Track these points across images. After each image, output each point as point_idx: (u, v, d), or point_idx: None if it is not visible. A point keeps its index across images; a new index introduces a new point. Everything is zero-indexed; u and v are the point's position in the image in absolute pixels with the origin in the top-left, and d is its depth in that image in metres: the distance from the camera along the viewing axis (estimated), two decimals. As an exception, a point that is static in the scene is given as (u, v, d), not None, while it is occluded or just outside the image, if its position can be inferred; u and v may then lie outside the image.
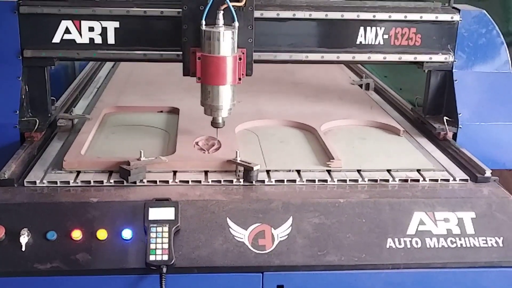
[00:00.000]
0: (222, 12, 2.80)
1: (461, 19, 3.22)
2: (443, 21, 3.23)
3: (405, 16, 3.19)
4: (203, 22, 2.79)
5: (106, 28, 3.03)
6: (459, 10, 3.24)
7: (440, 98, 3.40)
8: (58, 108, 3.41)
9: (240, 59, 2.85)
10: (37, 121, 3.05)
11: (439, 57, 3.27)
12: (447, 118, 3.30)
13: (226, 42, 2.77)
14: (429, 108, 3.43)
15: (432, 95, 3.40)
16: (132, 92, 3.94)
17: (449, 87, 3.34)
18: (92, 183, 2.70)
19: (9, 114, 3.02)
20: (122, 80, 4.26)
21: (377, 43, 3.22)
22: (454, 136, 3.29)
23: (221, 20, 2.81)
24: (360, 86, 4.33)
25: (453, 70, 3.29)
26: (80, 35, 3.04)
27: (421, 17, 3.20)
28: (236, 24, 2.81)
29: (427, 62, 3.28)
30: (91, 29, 3.03)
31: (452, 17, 3.22)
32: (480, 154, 3.06)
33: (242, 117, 3.44)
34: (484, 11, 3.27)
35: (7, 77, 3.03)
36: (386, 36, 3.21)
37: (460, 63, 3.29)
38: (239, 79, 2.89)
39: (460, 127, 3.26)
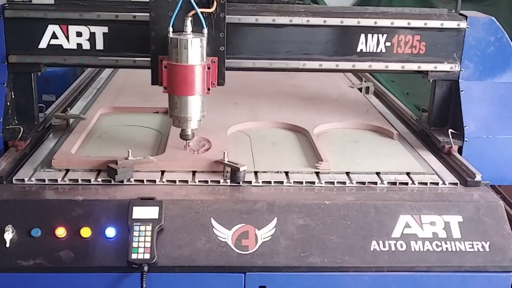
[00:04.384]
0: (190, 18, 2.69)
1: (468, 26, 3.06)
2: (449, 28, 3.07)
3: (409, 23, 3.04)
4: (170, 29, 2.68)
5: (94, 33, 2.94)
6: (466, 17, 3.08)
7: (445, 110, 3.25)
8: (47, 115, 3.36)
9: (209, 68, 2.73)
10: (22, 129, 2.96)
11: (444, 66, 3.11)
12: (452, 130, 3.15)
13: (194, 50, 2.64)
14: (434, 120, 3.29)
15: (437, 106, 3.25)
16: (130, 93, 3.97)
17: (455, 98, 3.18)
18: (80, 182, 2.72)
19: None
20: (121, 81, 4.30)
21: (378, 51, 3.07)
22: (460, 149, 3.14)
23: (189, 27, 2.69)
24: (360, 89, 4.31)
25: (460, 80, 3.14)
26: (68, 40, 2.94)
27: (425, 24, 3.05)
28: (205, 31, 2.71)
29: (432, 71, 3.12)
30: (79, 34, 2.94)
31: (458, 24, 3.06)
32: (487, 169, 2.91)
33: (236, 118, 3.46)
34: (493, 18, 3.11)
35: None
36: (388, 44, 3.06)
37: (467, 72, 3.13)
38: (208, 89, 2.75)
39: (466, 141, 3.11)
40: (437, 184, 2.83)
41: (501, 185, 2.91)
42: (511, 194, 3.06)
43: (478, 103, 3.16)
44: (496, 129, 3.14)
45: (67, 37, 2.95)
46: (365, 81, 4.38)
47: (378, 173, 2.88)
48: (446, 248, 2.55)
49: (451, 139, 3.13)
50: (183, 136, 2.91)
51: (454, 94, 3.20)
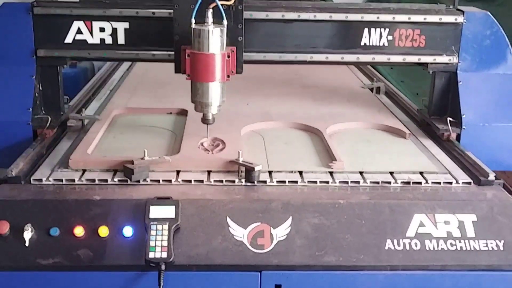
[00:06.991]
0: (211, 10, 2.84)
1: (465, 20, 3.24)
2: (447, 23, 3.26)
3: (409, 18, 3.22)
4: (193, 20, 2.83)
5: (116, 28, 3.12)
6: (463, 12, 3.26)
7: (445, 100, 3.43)
8: (71, 107, 3.53)
9: (228, 56, 2.89)
10: (50, 118, 3.17)
11: (443, 59, 3.30)
12: (451, 119, 3.33)
13: (215, 39, 2.81)
14: (434, 109, 3.46)
15: (437, 96, 3.43)
16: (143, 93, 4.00)
17: (454, 89, 3.36)
18: (96, 182, 2.75)
19: (22, 112, 3.13)
20: (134, 82, 4.33)
21: (381, 44, 3.26)
22: (458, 137, 3.32)
23: (210, 19, 2.85)
24: (371, 89, 4.33)
25: (458, 72, 3.31)
26: (92, 35, 3.13)
27: (425, 18, 3.23)
28: (225, 22, 2.85)
29: (431, 63, 3.31)
30: (102, 29, 3.13)
31: (456, 19, 3.25)
32: (484, 155, 3.06)
33: (249, 118, 3.48)
34: (488, 12, 3.29)
35: (21, 76, 3.14)
36: (390, 38, 3.25)
37: (464, 64, 3.31)
38: (228, 76, 2.92)
39: (464, 128, 3.29)
40: (450, 183, 2.84)
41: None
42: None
43: (475, 93, 3.33)
44: (492, 117, 3.31)
45: (91, 33, 3.14)
46: (376, 81, 4.40)
47: (391, 173, 2.90)
48: (461, 247, 2.56)
49: (449, 127, 3.30)
50: (205, 120, 3.04)
51: (453, 85, 3.37)
